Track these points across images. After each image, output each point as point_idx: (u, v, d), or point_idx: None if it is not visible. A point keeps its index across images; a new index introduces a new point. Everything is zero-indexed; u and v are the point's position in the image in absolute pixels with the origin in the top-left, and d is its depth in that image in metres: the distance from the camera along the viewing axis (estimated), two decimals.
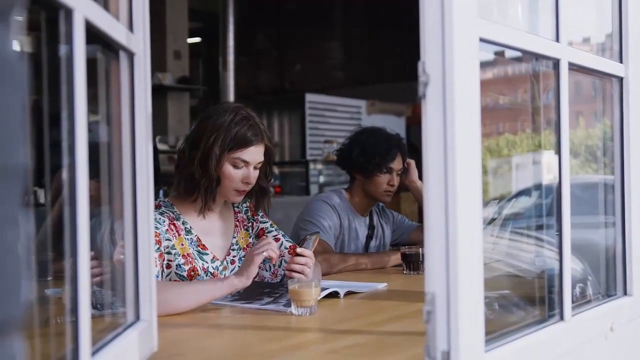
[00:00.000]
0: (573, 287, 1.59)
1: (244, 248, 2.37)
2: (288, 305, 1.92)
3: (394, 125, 6.09)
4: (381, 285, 2.36)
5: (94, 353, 1.07)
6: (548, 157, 1.86)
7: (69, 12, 0.99)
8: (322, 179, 7.56)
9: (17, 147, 0.58)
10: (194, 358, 1.57)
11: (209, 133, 2.18)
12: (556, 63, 1.51)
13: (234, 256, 2.34)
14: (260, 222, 2.43)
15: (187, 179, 2.22)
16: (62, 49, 1.00)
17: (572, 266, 1.56)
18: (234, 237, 2.36)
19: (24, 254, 0.59)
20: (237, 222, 2.39)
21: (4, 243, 0.56)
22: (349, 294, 2.20)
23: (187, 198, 2.25)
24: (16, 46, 0.61)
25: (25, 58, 0.62)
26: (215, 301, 2.01)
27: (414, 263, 2.65)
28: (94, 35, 1.10)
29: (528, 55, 1.59)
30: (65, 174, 1.00)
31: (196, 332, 1.79)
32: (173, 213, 2.24)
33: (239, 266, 2.30)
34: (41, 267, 1.36)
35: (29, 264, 0.60)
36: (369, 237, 3.12)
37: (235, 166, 2.21)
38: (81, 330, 1.00)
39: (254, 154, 2.22)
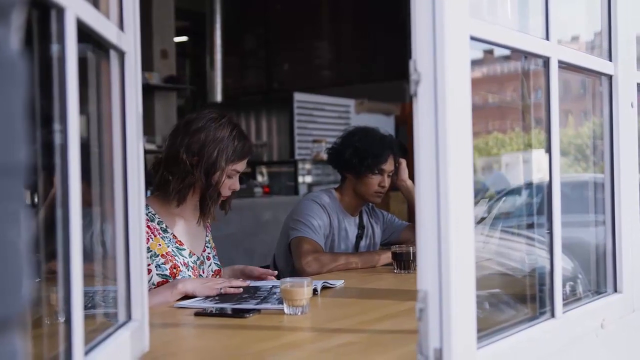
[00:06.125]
0: (563, 285, 1.59)
1: (213, 247, 2.48)
2: (281, 302, 1.91)
3: (383, 124, 6.10)
4: (338, 283, 2.37)
5: (86, 353, 1.07)
6: (537, 156, 1.86)
7: (60, 11, 0.98)
8: (310, 178, 7.55)
9: (19, 145, 0.58)
10: (185, 358, 1.57)
11: (210, 146, 2.23)
12: (546, 61, 1.52)
13: (208, 253, 2.43)
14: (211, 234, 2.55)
15: (188, 187, 2.26)
16: (54, 48, 0.99)
17: (562, 264, 1.57)
18: (207, 236, 2.46)
19: (25, 251, 0.59)
20: (207, 224, 2.48)
21: (7, 239, 0.56)
22: (324, 288, 2.24)
23: (172, 201, 2.28)
24: (17, 45, 0.61)
25: (25, 56, 0.62)
26: (206, 304, 2.00)
27: (404, 262, 2.66)
28: (84, 34, 1.09)
29: (517, 54, 1.60)
30: (57, 175, 0.99)
31: (188, 332, 1.79)
32: (147, 214, 2.24)
33: (214, 262, 2.43)
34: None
35: (29, 261, 0.60)
36: (359, 237, 3.12)
37: (230, 177, 2.29)
38: (74, 330, 0.99)
39: (245, 164, 2.35)
